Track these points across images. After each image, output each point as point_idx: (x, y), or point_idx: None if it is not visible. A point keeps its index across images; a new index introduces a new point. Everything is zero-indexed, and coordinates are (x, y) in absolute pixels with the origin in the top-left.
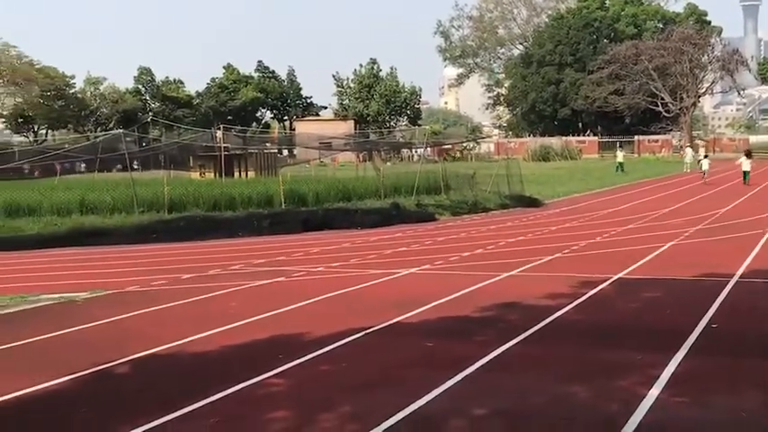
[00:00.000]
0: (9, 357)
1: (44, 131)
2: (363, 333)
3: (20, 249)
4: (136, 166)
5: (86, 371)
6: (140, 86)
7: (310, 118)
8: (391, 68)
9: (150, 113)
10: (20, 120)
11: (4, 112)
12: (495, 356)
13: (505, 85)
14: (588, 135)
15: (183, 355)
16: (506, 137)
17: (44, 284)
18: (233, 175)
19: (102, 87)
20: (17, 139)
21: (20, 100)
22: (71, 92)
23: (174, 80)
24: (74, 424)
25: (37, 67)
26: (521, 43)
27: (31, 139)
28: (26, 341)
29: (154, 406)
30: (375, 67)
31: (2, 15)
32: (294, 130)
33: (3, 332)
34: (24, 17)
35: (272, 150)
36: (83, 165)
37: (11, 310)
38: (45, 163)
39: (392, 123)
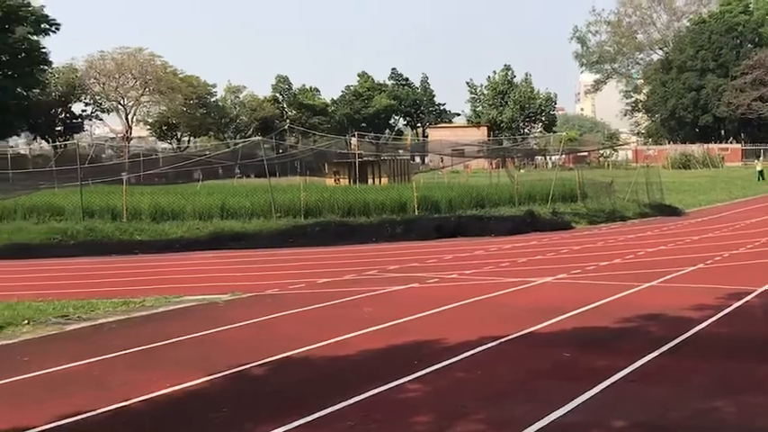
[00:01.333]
0: (152, 358)
1: (186, 138)
2: (498, 341)
3: (164, 252)
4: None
5: (227, 371)
6: (278, 94)
7: (443, 125)
8: (526, 75)
9: (287, 121)
10: (164, 127)
11: (150, 120)
12: (635, 368)
13: (644, 91)
14: (731, 142)
15: (320, 358)
16: (645, 144)
17: (187, 286)
18: (367, 181)
19: (241, 96)
20: (161, 145)
21: (164, 108)
22: (212, 100)
23: (311, 88)
24: (213, 423)
25: (181, 76)
26: (660, 48)
27: (175, 145)
28: (169, 341)
29: (290, 408)
30: (509, 73)
31: (148, 27)
32: (427, 137)
33: (147, 332)
34: (169, 29)
35: (404, 157)
36: (218, 170)
37: (155, 311)
38: (188, 169)
39: (526, 130)
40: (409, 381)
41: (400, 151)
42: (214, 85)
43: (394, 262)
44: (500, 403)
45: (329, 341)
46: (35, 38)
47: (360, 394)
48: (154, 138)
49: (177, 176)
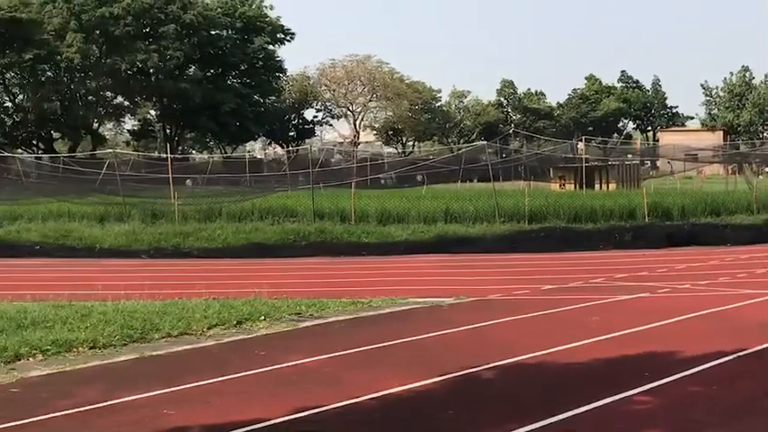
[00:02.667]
0: (380, 357)
1: (411, 143)
2: (735, 356)
3: (389, 254)
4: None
5: (452, 374)
6: (502, 99)
7: (675, 128)
8: (765, 76)
9: (511, 125)
10: (390, 132)
11: (377, 125)
12: None
13: None
14: None
15: (546, 365)
16: None
17: (411, 288)
18: (593, 186)
19: (465, 100)
20: (387, 150)
21: (390, 114)
22: (437, 105)
23: (536, 92)
24: (438, 425)
25: (407, 82)
26: None
27: (400, 150)
28: (396, 341)
29: (513, 414)
30: (747, 74)
31: (377, 35)
32: (657, 141)
33: (375, 331)
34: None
35: (633, 162)
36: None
37: (382, 311)
38: (412, 173)
39: (766, 134)
40: (639, 392)
41: (629, 156)
42: (439, 91)
43: (622, 270)
44: (736, 420)
45: (555, 348)
46: (272, 47)
47: (586, 404)
48: (380, 143)
49: (403, 180)
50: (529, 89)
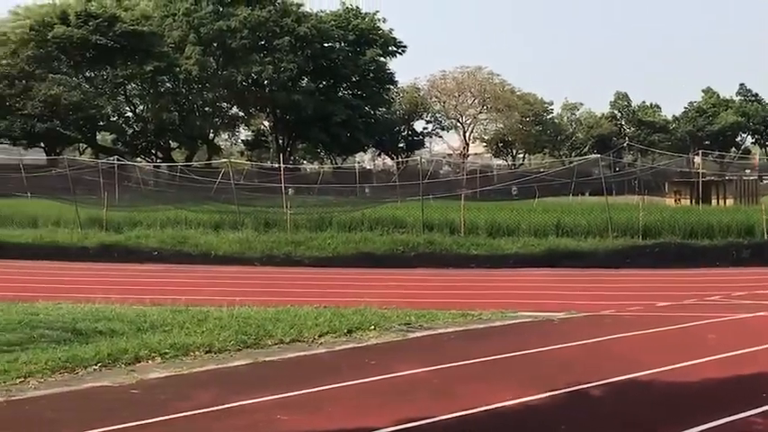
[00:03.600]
0: (490, 370)
1: (522, 155)
2: None
3: (498, 267)
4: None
5: (563, 389)
6: (616, 111)
7: None
8: None
9: (625, 138)
10: (500, 144)
11: (486, 137)
12: None
13: None
14: None
15: (659, 383)
16: None
17: (521, 302)
18: (710, 201)
19: (578, 113)
20: (496, 162)
21: (501, 126)
22: (548, 117)
23: (651, 105)
24: None
25: (518, 94)
26: None
27: (510, 162)
28: (507, 354)
29: None
30: None
31: (488, 46)
32: None
33: (485, 344)
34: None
35: (751, 177)
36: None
37: (492, 324)
38: (523, 186)
39: None
40: (755, 414)
41: (747, 171)
42: (551, 103)
43: (740, 288)
44: None
45: (669, 366)
46: (383, 59)
47: (700, 424)
48: (490, 154)
49: (512, 193)
50: (643, 102)
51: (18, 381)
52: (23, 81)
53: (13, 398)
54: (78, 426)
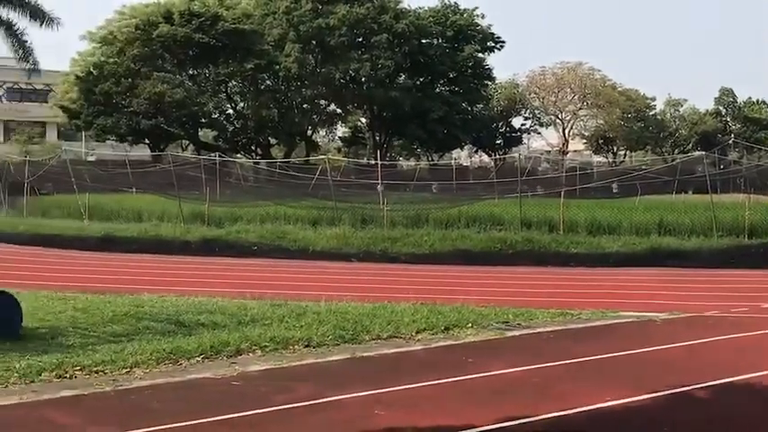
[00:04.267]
0: (590, 370)
1: (623, 152)
2: None
3: (598, 266)
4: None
5: (665, 391)
6: (721, 108)
7: None
8: None
9: (731, 135)
10: (600, 141)
11: (586, 134)
12: None
13: None
14: None
15: (763, 387)
16: None
17: (621, 302)
18: None
19: (681, 109)
20: (596, 159)
21: (601, 122)
22: (651, 114)
23: (757, 101)
24: None
25: (619, 89)
26: None
27: (610, 159)
28: (607, 355)
29: None
30: None
31: (588, 42)
32: None
33: (584, 344)
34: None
35: None
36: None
37: (592, 324)
38: (624, 184)
39: None
40: None
41: None
42: (653, 99)
43: None
44: None
45: None
46: (481, 55)
47: None
48: (589, 151)
49: (613, 190)
50: (749, 98)
51: (124, 371)
52: (129, 79)
53: (119, 387)
54: (183, 416)
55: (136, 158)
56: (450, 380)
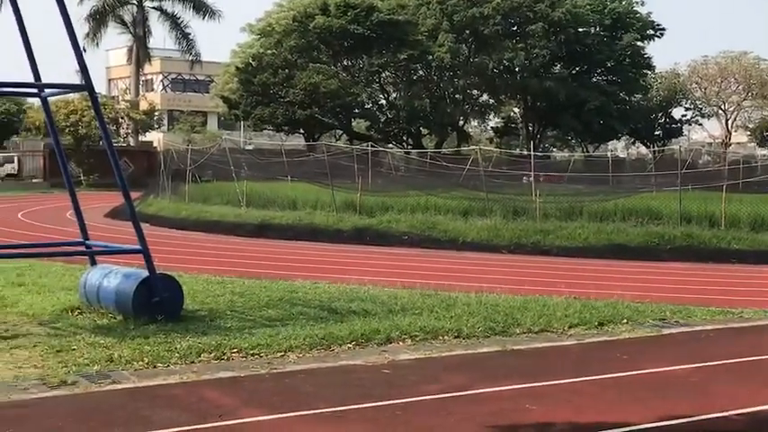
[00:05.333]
0: (751, 371)
1: None
2: None
3: (762, 263)
4: None
5: None
6: None
7: None
8: None
9: None
10: (765, 133)
11: (750, 126)
12: None
13: None
14: None
15: None
16: None
17: None
18: None
19: None
20: (760, 152)
21: (767, 113)
22: None
23: None
24: None
25: None
26: None
27: None
28: None
29: None
30: None
31: (753, 31)
32: None
33: (746, 344)
34: None
35: None
36: None
37: (754, 323)
38: None
39: None
40: None
41: None
42: None
43: None
44: None
45: None
46: (640, 44)
47: None
48: (753, 144)
49: None
50: None
51: (279, 355)
52: (286, 70)
53: (274, 370)
54: (335, 401)
55: (291, 148)
56: (603, 376)
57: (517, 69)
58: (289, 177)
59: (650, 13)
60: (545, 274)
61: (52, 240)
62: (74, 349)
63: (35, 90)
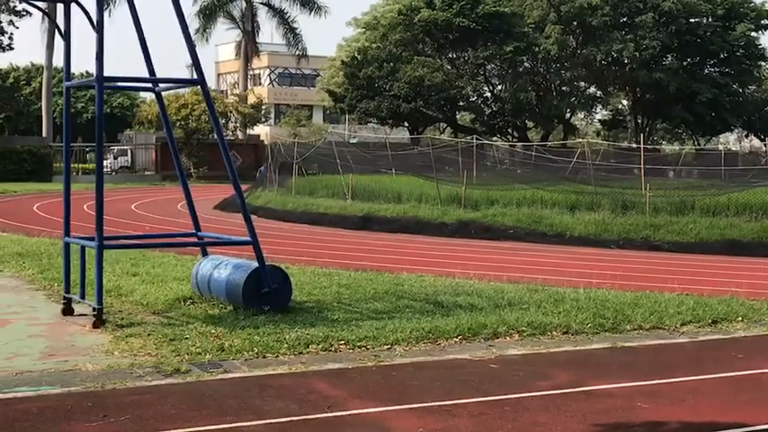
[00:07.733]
0: None
1: None
2: None
3: None
4: None
5: None
6: None
7: None
8: None
9: None
10: None
11: None
12: None
13: None
14: None
15: None
16: None
17: None
18: None
19: None
20: None
21: None
22: None
23: None
24: None
25: None
26: None
27: None
28: None
29: None
30: None
31: None
32: None
33: None
34: None
35: None
36: None
37: None
38: None
39: None
40: None
41: None
42: None
43: None
44: None
45: None
46: (754, 34)
47: None
48: None
49: None
50: None
51: (386, 347)
52: (391, 63)
53: (381, 363)
54: (443, 395)
55: (395, 141)
56: (717, 375)
57: (626, 61)
58: (393, 170)
59: (765, 2)
60: (655, 270)
61: (164, 231)
62: (186, 338)
63: (150, 85)
